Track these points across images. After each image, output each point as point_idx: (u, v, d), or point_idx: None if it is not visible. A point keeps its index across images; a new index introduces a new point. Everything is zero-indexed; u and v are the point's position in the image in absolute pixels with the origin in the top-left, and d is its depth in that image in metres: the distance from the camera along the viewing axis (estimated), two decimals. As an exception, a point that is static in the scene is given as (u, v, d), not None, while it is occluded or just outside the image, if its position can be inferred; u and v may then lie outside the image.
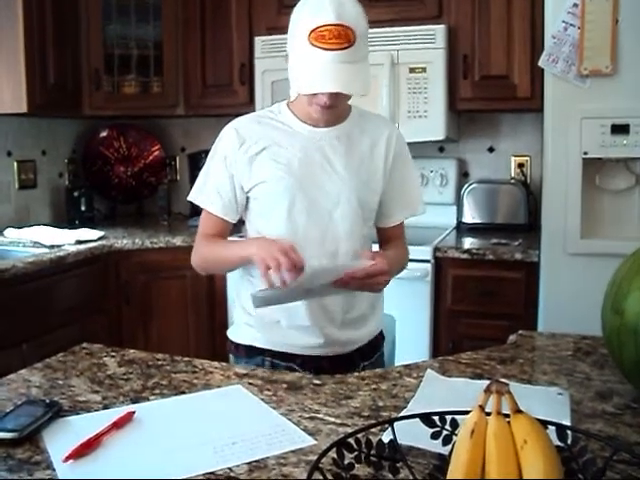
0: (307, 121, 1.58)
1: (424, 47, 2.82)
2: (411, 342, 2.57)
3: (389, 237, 1.73)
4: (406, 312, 2.56)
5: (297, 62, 1.46)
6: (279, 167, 1.56)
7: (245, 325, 1.65)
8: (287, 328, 1.59)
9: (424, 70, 2.83)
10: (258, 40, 3.08)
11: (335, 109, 1.53)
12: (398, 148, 1.65)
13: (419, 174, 1.65)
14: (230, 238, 1.71)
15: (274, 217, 1.58)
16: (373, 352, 1.69)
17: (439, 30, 2.81)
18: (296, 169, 1.55)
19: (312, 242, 1.55)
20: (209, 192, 1.62)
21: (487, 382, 0.76)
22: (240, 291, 1.69)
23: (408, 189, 1.70)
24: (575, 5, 2.31)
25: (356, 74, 1.44)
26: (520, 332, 1.55)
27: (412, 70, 2.83)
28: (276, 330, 1.60)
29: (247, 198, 1.62)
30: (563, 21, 2.34)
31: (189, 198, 1.66)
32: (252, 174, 1.58)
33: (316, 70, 1.42)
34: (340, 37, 1.40)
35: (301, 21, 1.44)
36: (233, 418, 1.09)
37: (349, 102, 1.59)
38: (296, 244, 1.44)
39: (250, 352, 1.62)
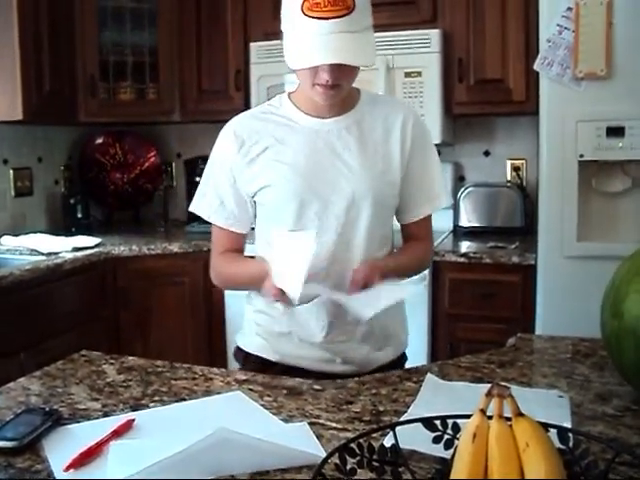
0: (311, 112, 1.45)
1: (419, 51, 2.83)
2: (409, 346, 2.57)
3: (411, 236, 1.57)
4: (404, 316, 2.56)
5: (292, 37, 1.33)
6: (284, 168, 1.42)
7: (255, 335, 1.56)
8: (299, 341, 1.48)
9: (419, 74, 2.83)
10: (254, 46, 3.09)
11: (340, 91, 1.37)
12: (416, 132, 1.48)
13: (440, 161, 1.56)
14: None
15: (282, 224, 1.43)
16: None
17: (434, 34, 2.82)
18: (303, 168, 1.42)
19: (323, 248, 1.40)
20: (211, 202, 1.50)
21: (487, 386, 0.76)
22: (251, 298, 1.57)
23: (429, 179, 1.53)
24: (569, 9, 2.32)
25: (358, 44, 1.30)
26: (519, 335, 1.55)
27: (407, 74, 2.84)
28: (287, 342, 1.49)
29: (254, 203, 1.50)
30: (558, 24, 2.35)
31: (190, 209, 1.54)
32: (255, 177, 1.45)
33: (313, 42, 1.28)
34: (337, 3, 1.26)
35: None
36: (233, 425, 1.09)
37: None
38: None
39: (259, 363, 1.52)
